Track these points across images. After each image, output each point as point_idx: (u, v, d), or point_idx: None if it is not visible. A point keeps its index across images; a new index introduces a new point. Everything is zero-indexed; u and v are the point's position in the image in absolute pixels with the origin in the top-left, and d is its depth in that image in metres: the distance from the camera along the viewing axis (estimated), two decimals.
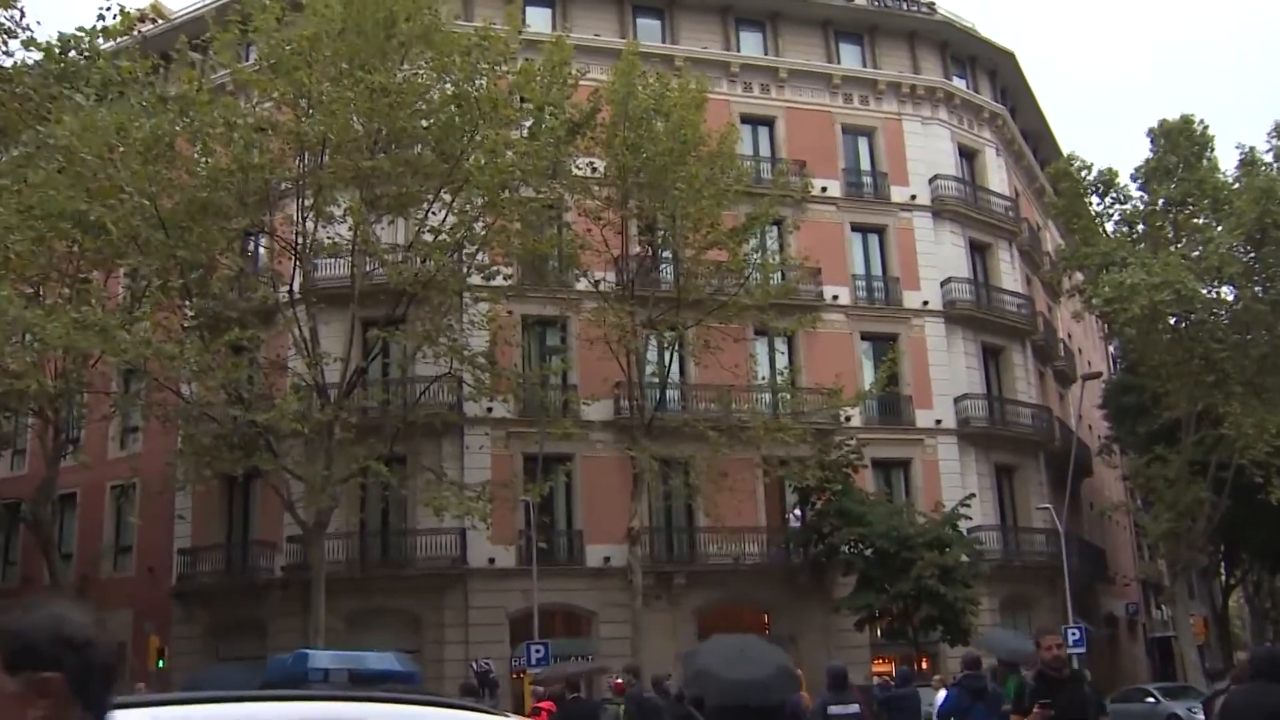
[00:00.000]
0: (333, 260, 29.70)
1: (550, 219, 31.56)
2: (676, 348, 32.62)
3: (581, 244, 30.89)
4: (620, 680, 21.91)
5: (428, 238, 28.06)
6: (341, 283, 29.48)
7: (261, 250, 33.18)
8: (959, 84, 43.93)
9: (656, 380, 32.56)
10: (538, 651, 28.63)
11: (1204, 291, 35.93)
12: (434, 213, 28.36)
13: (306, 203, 28.05)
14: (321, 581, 27.61)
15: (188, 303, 28.84)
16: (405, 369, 30.26)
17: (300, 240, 28.47)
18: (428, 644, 32.27)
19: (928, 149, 41.34)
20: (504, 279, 30.75)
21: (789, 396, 34.58)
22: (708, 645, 13.35)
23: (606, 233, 30.95)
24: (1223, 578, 52.75)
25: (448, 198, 28.10)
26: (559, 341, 34.79)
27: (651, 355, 32.82)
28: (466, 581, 32.63)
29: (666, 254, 32.72)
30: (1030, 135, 50.32)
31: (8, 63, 25.18)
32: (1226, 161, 44.72)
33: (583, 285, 32.46)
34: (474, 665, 29.31)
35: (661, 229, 32.08)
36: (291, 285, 29.00)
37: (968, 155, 43.54)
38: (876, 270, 39.96)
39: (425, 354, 29.18)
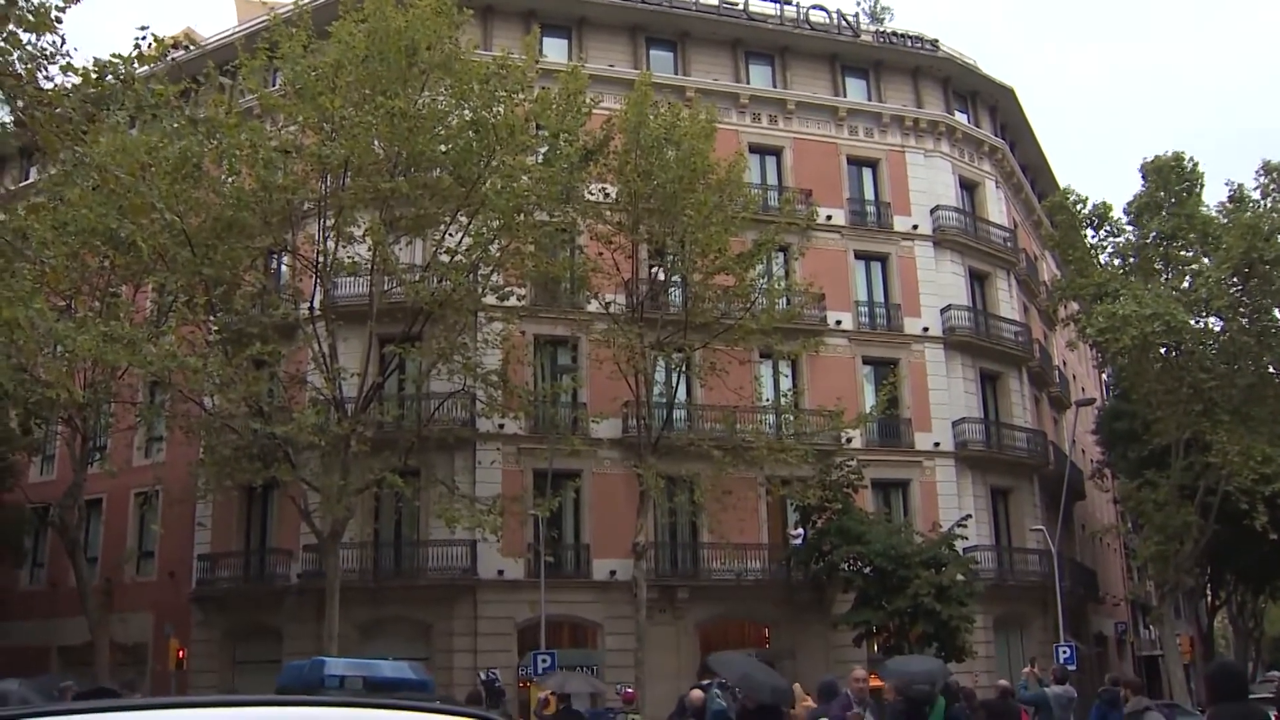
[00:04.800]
0: (352, 279, 30.38)
1: (563, 242, 32.34)
2: (683, 369, 33.34)
3: (593, 267, 31.84)
4: (632, 690, 22.84)
5: (444, 258, 28.90)
6: (360, 300, 30.37)
7: (284, 268, 33.93)
8: (961, 118, 44.98)
9: (664, 400, 33.42)
10: (544, 661, 29.50)
11: (1193, 323, 36.88)
12: (451, 234, 29.15)
13: (328, 223, 28.91)
14: (336, 589, 28.42)
15: (212, 318, 29.52)
16: (420, 385, 31.06)
17: (321, 259, 29.26)
18: (437, 652, 33.08)
19: (930, 180, 42.33)
20: (517, 299, 31.67)
21: (792, 418, 35.46)
22: (734, 657, 14.41)
23: (617, 256, 31.84)
24: (1208, 599, 53.59)
25: (464, 220, 28.88)
26: (570, 361, 35.57)
27: (659, 376, 33.67)
28: (476, 592, 33.49)
29: (675, 278, 33.55)
30: (1029, 168, 51.38)
31: (48, 86, 26.13)
32: (1217, 195, 45.63)
33: (593, 307, 33.32)
34: (481, 675, 30.04)
35: (670, 253, 32.78)
36: (312, 302, 29.62)
37: (968, 187, 44.51)
38: (879, 297, 40.90)
39: (440, 371, 29.98)
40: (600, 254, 31.79)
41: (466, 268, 29.16)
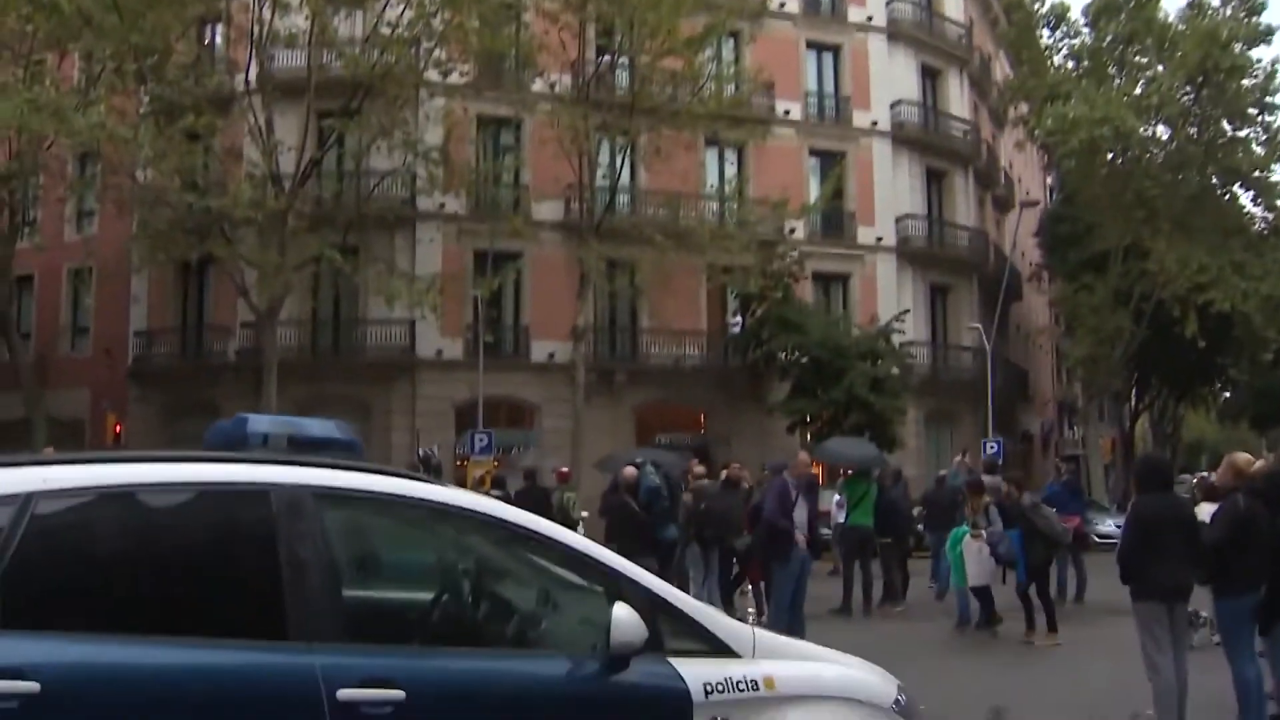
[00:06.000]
0: (289, 51, 29.48)
1: (509, 18, 31.50)
2: (628, 153, 33.00)
3: (539, 44, 30.92)
4: (567, 469, 23.17)
5: (385, 31, 28.06)
6: (298, 73, 29.35)
7: (218, 38, 32.83)
8: None
9: (607, 184, 33.10)
10: (481, 440, 29.82)
11: (1142, 130, 36.87)
12: (392, 5, 28.24)
13: None
14: (274, 366, 28.44)
15: (143, 88, 28.68)
16: (360, 161, 30.52)
17: (256, 29, 28.35)
18: (376, 431, 33.22)
19: None
20: (460, 76, 30.86)
21: (736, 206, 35.28)
22: None
23: (564, 35, 30.91)
24: (1132, 403, 54.97)
25: None
26: (513, 142, 35.04)
27: (604, 159, 33.22)
28: (415, 371, 33.56)
29: (623, 60, 32.85)
30: None
31: None
32: (1177, 1, 45.03)
33: (539, 87, 32.62)
34: (419, 451, 30.27)
35: (619, 34, 32.10)
36: (247, 74, 28.93)
37: None
38: (829, 88, 40.26)
39: (380, 147, 29.45)
40: (547, 32, 30.84)
41: (408, 41, 28.29)
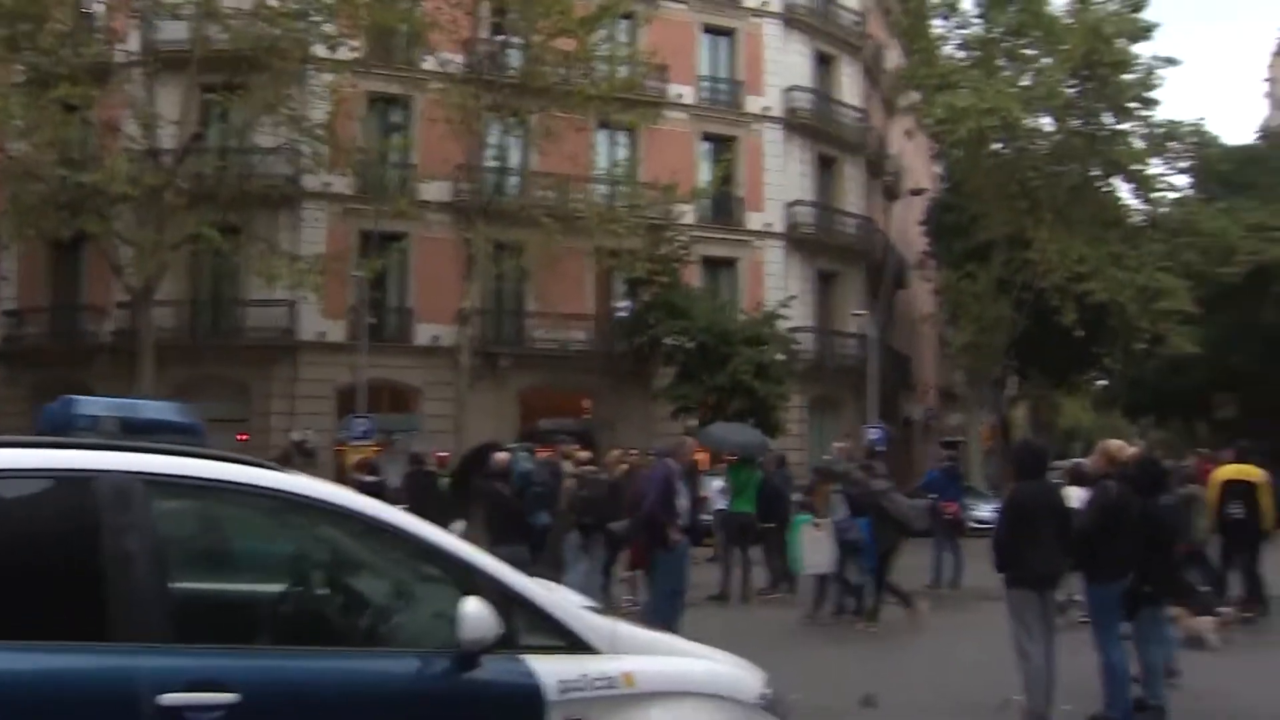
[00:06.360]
0: (172, 21, 28.67)
1: None
2: (519, 134, 32.70)
3: (431, 21, 30.41)
4: (446, 453, 22.85)
5: (273, 3, 27.43)
6: (181, 45, 28.60)
7: (98, 6, 31.83)
8: None
9: (497, 165, 32.79)
10: (362, 425, 29.41)
11: (1028, 121, 37.49)
12: None
13: None
14: (149, 347, 27.74)
15: (15, 55, 27.71)
16: (243, 137, 29.82)
17: None
18: (255, 414, 32.67)
19: None
20: (350, 52, 30.28)
21: (625, 190, 35.14)
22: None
23: (456, 12, 30.49)
24: (1012, 390, 56.08)
25: None
26: (402, 120, 34.51)
27: (494, 139, 32.87)
28: (296, 354, 32.98)
29: (516, 39, 32.52)
30: None
31: None
32: None
33: (430, 65, 32.18)
34: (294, 435, 29.69)
35: (512, 12, 31.77)
36: (128, 44, 28.10)
37: None
38: (723, 73, 40.32)
39: (264, 123, 28.81)
40: (439, 9, 30.31)
41: (296, 14, 27.65)
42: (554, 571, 15.62)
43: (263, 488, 4.06)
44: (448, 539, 4.27)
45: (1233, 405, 59.97)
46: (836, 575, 15.32)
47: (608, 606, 15.35)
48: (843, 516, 15.11)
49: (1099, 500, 8.78)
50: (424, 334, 34.07)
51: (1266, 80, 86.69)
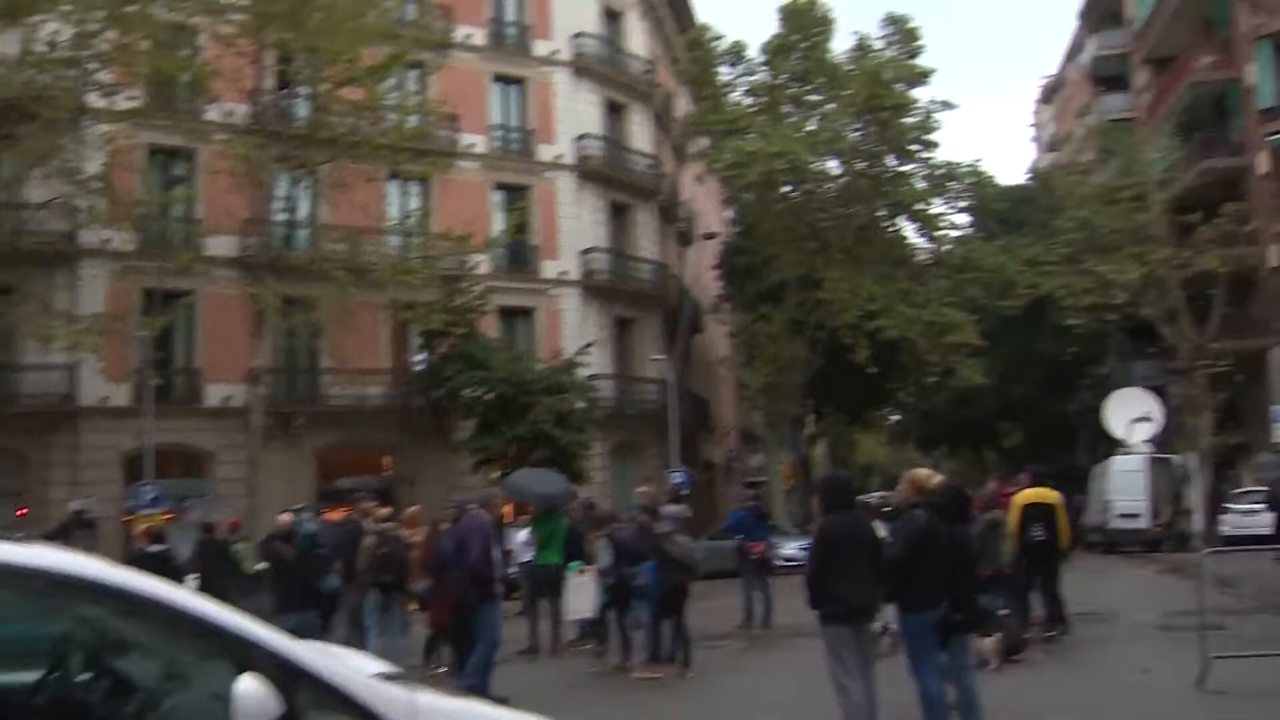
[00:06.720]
0: None
1: (182, 41, 29.91)
2: (308, 185, 31.94)
3: (213, 70, 29.42)
4: (237, 518, 21.92)
5: (41, 48, 26.13)
6: None
7: None
8: None
9: (285, 217, 31.94)
10: (149, 492, 28.09)
11: (815, 164, 38.49)
12: (53, 22, 26.16)
13: None
14: None
15: None
16: (12, 191, 28.32)
17: None
18: (34, 485, 30.87)
19: (572, 5, 41.53)
20: (128, 100, 29.06)
21: (419, 241, 34.59)
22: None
23: (240, 61, 29.59)
24: (810, 429, 57.20)
25: (67, 7, 25.94)
26: (185, 173, 33.32)
27: (282, 192, 32.00)
28: (77, 420, 31.32)
29: (302, 88, 31.77)
30: (671, 3, 51.25)
31: None
32: (846, 44, 47.30)
33: (214, 115, 31.17)
34: (75, 505, 28.14)
35: (299, 61, 31.05)
36: None
37: (612, 16, 44.06)
38: (514, 121, 40.27)
39: (36, 177, 27.38)
40: (221, 57, 29.34)
41: (67, 60, 26.37)
42: (357, 635, 15.09)
43: (13, 565, 3.64)
44: (222, 612, 3.89)
45: (1018, 432, 62.51)
46: (614, 620, 15.39)
47: (425, 667, 14.99)
48: (606, 564, 15.14)
49: (908, 529, 8.80)
50: (214, 395, 32.80)
51: (1033, 125, 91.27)
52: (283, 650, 3.81)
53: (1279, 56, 38.47)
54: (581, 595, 15.53)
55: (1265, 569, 14.37)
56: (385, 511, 16.91)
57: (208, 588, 16.96)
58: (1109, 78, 58.88)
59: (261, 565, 17.43)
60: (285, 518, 14.23)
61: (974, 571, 9.58)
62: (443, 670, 14.71)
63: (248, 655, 3.70)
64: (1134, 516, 33.95)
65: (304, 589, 13.32)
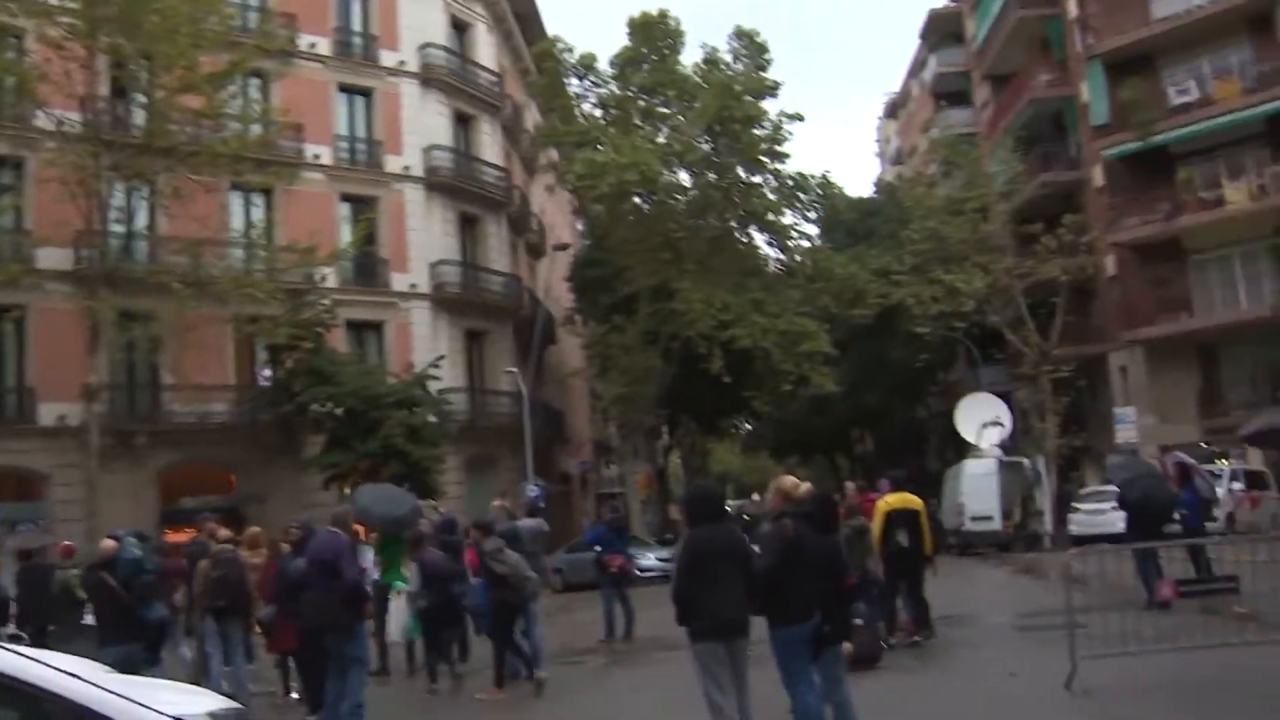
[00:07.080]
0: None
1: (6, 45, 28.62)
2: (145, 196, 30.80)
3: (41, 75, 28.12)
4: (71, 543, 20.89)
5: None
6: None
7: None
8: None
9: (121, 229, 30.75)
10: None
11: (666, 175, 38.61)
12: None
13: None
14: None
15: None
16: None
17: None
18: None
19: (420, 16, 40.93)
20: None
21: (263, 253, 33.67)
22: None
23: (70, 65, 28.36)
24: (665, 439, 57.36)
25: None
26: (13, 182, 31.82)
27: (118, 202, 30.80)
28: None
29: (138, 95, 30.65)
30: (520, 16, 51.02)
31: None
32: (695, 56, 47.58)
33: (43, 122, 29.86)
34: None
35: (133, 67, 29.92)
36: None
37: (460, 27, 43.61)
38: (361, 132, 39.54)
39: None
40: (49, 60, 28.07)
41: None
42: (199, 659, 14.47)
43: None
44: (13, 662, 3.48)
45: (868, 439, 63.59)
46: (424, 643, 15.43)
47: (282, 696, 14.45)
48: (416, 586, 15.08)
49: (777, 537, 8.61)
50: (48, 414, 31.33)
51: (877, 140, 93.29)
52: (79, 697, 3.42)
53: (1110, 75, 39.76)
54: (396, 619, 15.44)
55: (1110, 566, 14.64)
56: (225, 533, 16.28)
57: (28, 619, 16.14)
58: (951, 94, 60.58)
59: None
60: (107, 544, 13.50)
61: (844, 581, 9.46)
62: (294, 698, 14.21)
63: (40, 709, 3.30)
64: (987, 519, 34.74)
65: (126, 621, 12.63)
